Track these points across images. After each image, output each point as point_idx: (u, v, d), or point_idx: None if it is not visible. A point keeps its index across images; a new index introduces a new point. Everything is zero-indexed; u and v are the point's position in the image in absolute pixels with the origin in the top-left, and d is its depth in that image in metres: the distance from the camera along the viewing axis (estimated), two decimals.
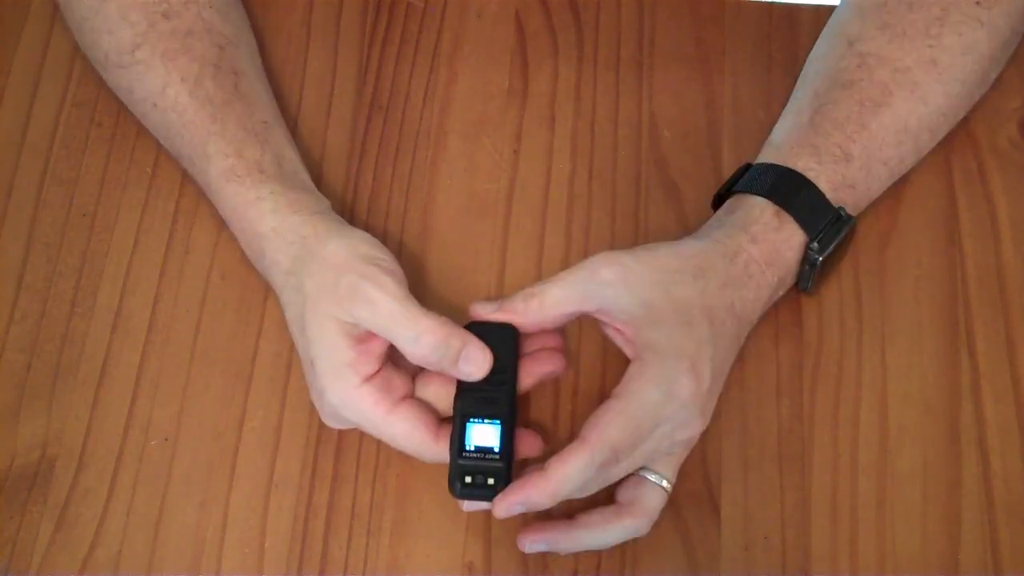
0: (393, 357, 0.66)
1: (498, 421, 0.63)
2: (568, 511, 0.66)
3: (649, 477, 0.64)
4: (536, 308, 0.64)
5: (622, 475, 0.63)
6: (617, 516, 0.64)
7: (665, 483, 0.64)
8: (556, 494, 0.61)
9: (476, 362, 0.63)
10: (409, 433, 0.64)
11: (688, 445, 0.65)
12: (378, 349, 0.64)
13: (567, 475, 0.61)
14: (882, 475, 0.68)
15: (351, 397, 0.63)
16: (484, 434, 0.63)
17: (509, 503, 0.62)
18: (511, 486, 0.62)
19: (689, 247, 0.67)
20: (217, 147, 0.70)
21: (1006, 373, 0.71)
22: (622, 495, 0.65)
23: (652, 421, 0.62)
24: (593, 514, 0.64)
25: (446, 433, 0.64)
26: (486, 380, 0.63)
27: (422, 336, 0.62)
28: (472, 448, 0.63)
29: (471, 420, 0.63)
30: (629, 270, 0.64)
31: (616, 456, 0.61)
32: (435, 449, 0.64)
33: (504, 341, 0.64)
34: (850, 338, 0.72)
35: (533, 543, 0.65)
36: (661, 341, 0.63)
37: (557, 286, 0.64)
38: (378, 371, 0.64)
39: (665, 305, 0.63)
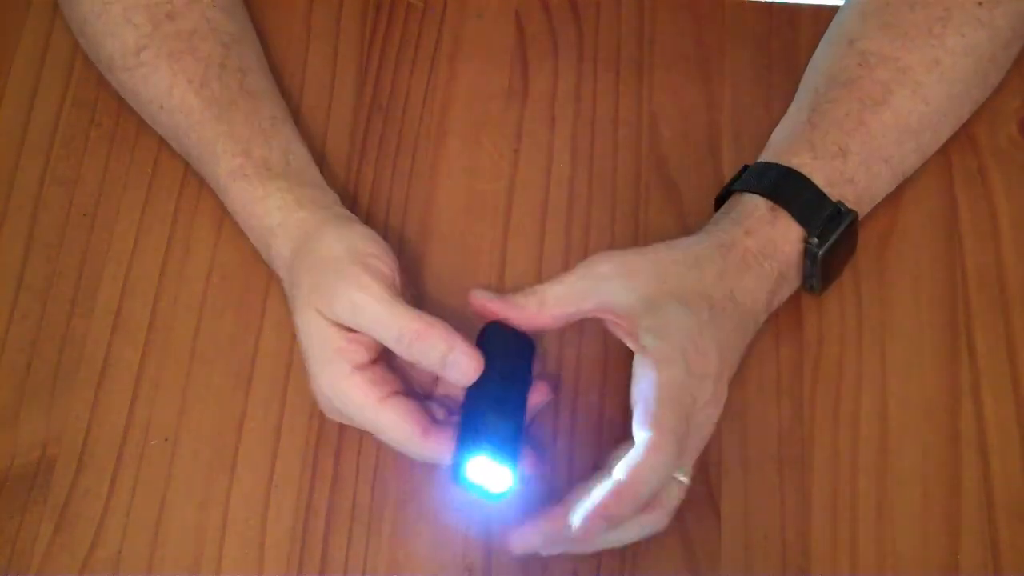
0: (390, 360, 0.66)
1: (512, 424, 0.63)
2: None
3: None
4: (536, 305, 0.64)
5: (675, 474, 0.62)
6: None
7: (683, 477, 0.63)
8: (638, 499, 0.60)
9: (461, 368, 0.62)
10: (397, 424, 0.63)
11: (707, 436, 0.65)
12: (367, 339, 0.64)
13: (647, 475, 0.59)
14: (882, 475, 0.68)
15: (342, 385, 0.63)
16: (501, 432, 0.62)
17: (590, 520, 0.59)
18: (588, 502, 0.60)
19: (685, 241, 0.67)
20: (225, 147, 0.70)
21: (1006, 373, 0.70)
22: None
23: (689, 396, 0.61)
24: None
25: (437, 432, 0.63)
26: (503, 377, 0.63)
27: (403, 336, 0.62)
28: (488, 444, 0.62)
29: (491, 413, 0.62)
30: (626, 263, 0.65)
31: (680, 445, 0.61)
32: (422, 445, 0.63)
33: (520, 349, 0.65)
34: (850, 338, 0.72)
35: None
36: (660, 326, 0.63)
37: (556, 284, 0.65)
38: (371, 363, 0.64)
39: (662, 294, 0.64)
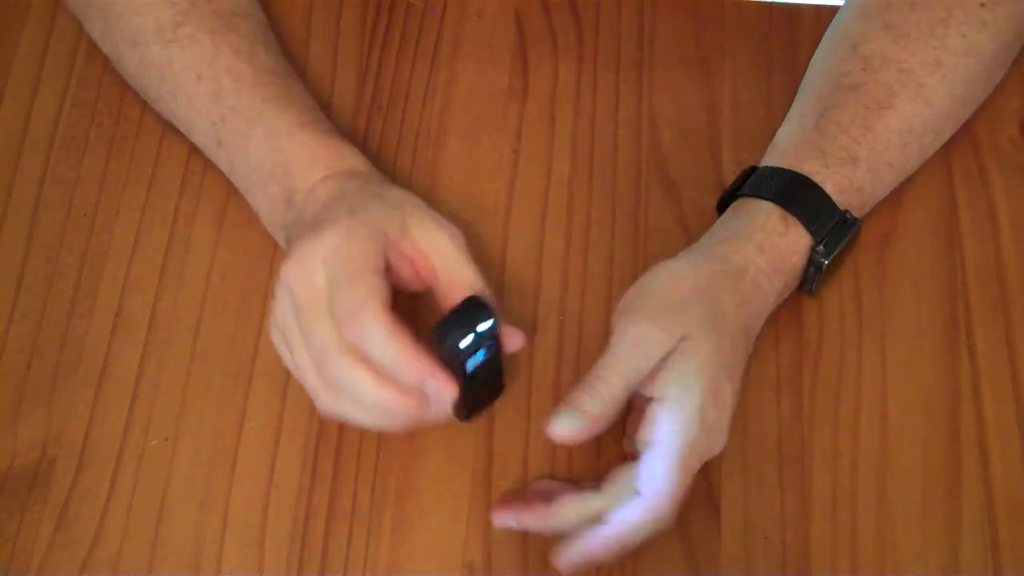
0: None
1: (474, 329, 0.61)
2: None
3: None
4: (595, 412, 0.63)
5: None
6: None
7: None
8: (626, 549, 0.62)
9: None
10: (391, 336, 0.60)
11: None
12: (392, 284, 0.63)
13: (638, 531, 0.62)
14: (882, 475, 0.68)
15: (361, 292, 0.61)
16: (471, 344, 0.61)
17: (574, 563, 0.62)
18: (577, 545, 0.62)
19: (697, 272, 0.66)
20: (291, 103, 0.70)
21: (1006, 373, 0.71)
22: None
23: (698, 455, 0.63)
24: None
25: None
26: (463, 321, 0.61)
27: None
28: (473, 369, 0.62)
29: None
30: (652, 309, 0.64)
31: (674, 504, 0.62)
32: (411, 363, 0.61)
33: (477, 321, 0.62)
34: (850, 338, 0.72)
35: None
36: (683, 376, 0.63)
37: (597, 399, 0.63)
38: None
39: (692, 327, 0.64)
